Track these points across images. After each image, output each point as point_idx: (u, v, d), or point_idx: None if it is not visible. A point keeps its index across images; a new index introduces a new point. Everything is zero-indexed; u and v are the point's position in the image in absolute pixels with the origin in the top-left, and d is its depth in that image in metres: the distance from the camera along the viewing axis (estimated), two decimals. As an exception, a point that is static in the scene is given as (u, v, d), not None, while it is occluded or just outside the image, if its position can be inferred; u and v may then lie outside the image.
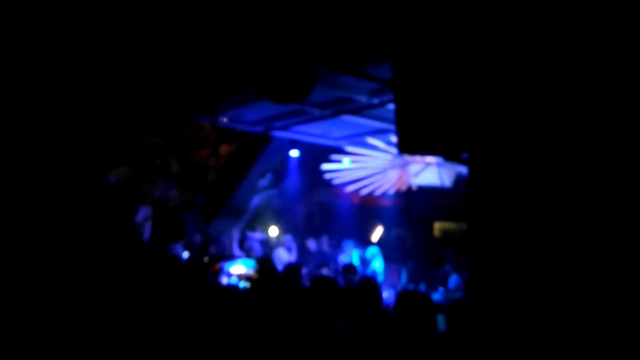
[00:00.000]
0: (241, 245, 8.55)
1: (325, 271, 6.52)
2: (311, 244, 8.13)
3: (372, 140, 6.96)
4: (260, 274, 4.91)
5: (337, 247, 8.43)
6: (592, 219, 1.95)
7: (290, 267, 4.99)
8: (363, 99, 5.55)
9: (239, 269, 5.84)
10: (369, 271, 7.60)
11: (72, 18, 4.17)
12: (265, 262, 5.01)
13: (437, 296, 6.42)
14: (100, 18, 4.19)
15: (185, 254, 6.76)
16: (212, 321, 3.13)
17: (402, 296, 3.23)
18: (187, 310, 3.17)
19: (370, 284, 3.95)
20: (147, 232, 8.67)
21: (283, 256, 7.57)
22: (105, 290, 3.79)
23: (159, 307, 3.25)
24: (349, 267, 6.24)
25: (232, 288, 5.12)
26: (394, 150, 6.82)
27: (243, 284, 5.39)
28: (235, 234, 8.48)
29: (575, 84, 2.02)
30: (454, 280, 6.90)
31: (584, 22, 2.00)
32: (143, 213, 8.82)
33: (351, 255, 7.77)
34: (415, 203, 10.58)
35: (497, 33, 2.22)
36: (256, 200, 10.64)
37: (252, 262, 6.03)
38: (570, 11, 2.03)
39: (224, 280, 5.59)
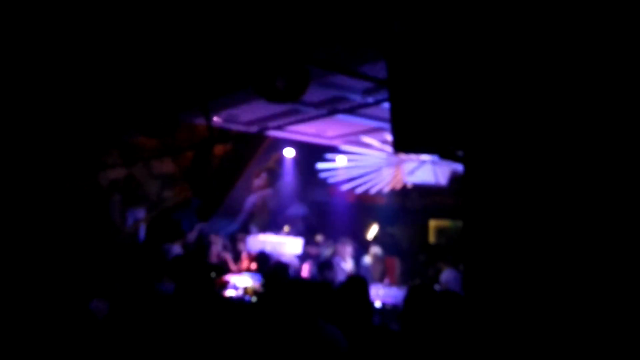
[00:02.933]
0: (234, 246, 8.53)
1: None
2: (312, 248, 8.16)
3: (367, 139, 6.98)
4: (267, 287, 4.88)
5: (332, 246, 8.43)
6: (587, 215, 1.97)
7: (278, 266, 4.97)
8: (357, 97, 5.55)
9: (245, 282, 5.83)
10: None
11: (63, 19, 4.15)
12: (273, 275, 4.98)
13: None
14: (92, 19, 4.17)
15: (178, 250, 6.76)
16: (217, 334, 3.13)
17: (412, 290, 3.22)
18: (191, 322, 3.16)
19: (357, 282, 3.87)
20: (141, 233, 8.67)
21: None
22: (107, 295, 3.78)
23: (161, 316, 3.24)
24: (325, 264, 6.24)
25: (239, 301, 5.12)
26: (389, 148, 6.84)
27: (249, 297, 5.39)
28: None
29: (569, 81, 2.03)
30: (446, 276, 6.89)
31: (577, 20, 2.02)
32: (137, 214, 8.81)
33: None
34: (410, 201, 10.62)
35: (490, 31, 2.23)
36: (251, 200, 10.64)
37: (258, 276, 6.02)
38: (563, 10, 2.05)
39: (231, 293, 5.58)
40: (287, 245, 7.89)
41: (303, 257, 7.95)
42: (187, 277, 3.37)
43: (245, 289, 5.69)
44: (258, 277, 6.02)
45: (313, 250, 8.20)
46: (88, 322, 3.44)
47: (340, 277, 6.18)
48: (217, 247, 7.93)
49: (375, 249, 8.09)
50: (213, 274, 5.06)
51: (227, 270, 7.20)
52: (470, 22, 2.29)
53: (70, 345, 3.21)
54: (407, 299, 3.17)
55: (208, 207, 9.64)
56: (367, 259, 7.96)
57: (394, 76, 2.56)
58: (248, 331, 3.12)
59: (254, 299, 5.31)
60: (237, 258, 8.12)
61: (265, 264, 6.81)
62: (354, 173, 7.86)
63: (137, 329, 3.16)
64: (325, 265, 6.15)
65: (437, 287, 6.76)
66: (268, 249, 7.84)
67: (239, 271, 7.26)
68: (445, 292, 3.44)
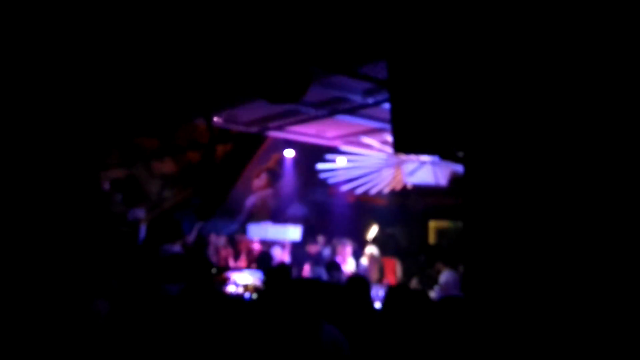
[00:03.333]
0: (234, 246, 8.55)
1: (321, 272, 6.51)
2: (312, 246, 8.18)
3: (367, 140, 6.99)
4: (267, 285, 4.88)
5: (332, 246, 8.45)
6: (587, 215, 1.97)
7: (281, 267, 4.98)
8: (358, 98, 5.56)
9: (245, 279, 5.83)
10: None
11: (65, 20, 4.16)
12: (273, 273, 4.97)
13: (432, 294, 6.43)
14: (93, 20, 4.18)
15: (178, 250, 6.77)
16: (217, 330, 3.13)
17: (397, 292, 3.24)
18: (192, 318, 3.16)
19: (358, 282, 3.89)
20: (142, 233, 8.67)
21: (278, 254, 7.59)
22: (108, 295, 3.78)
23: (163, 313, 3.24)
24: (333, 264, 6.27)
25: (238, 298, 5.12)
26: (389, 149, 6.85)
27: (249, 294, 5.38)
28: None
29: (568, 83, 2.04)
30: (445, 277, 6.89)
31: (575, 22, 2.02)
32: (137, 214, 8.81)
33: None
34: (410, 202, 10.63)
35: (491, 33, 2.24)
36: (251, 200, 10.65)
37: (258, 273, 6.02)
38: (562, 12, 2.05)
39: (231, 289, 5.58)
40: (287, 232, 7.97)
41: (302, 258, 7.96)
42: (187, 275, 3.37)
43: (246, 286, 5.68)
44: (259, 273, 6.02)
45: (313, 249, 8.20)
46: (90, 322, 3.44)
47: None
48: (218, 244, 7.97)
49: (371, 250, 8.05)
50: (214, 270, 5.05)
51: (227, 268, 7.21)
52: (470, 25, 2.29)
53: (71, 346, 3.22)
54: (385, 300, 3.17)
55: (208, 207, 9.65)
56: (364, 260, 7.96)
57: (395, 77, 2.57)
58: (249, 330, 3.12)
59: (254, 296, 5.31)
60: (236, 258, 8.14)
61: (267, 264, 6.84)
62: (354, 174, 7.87)
63: (139, 329, 3.16)
64: (333, 266, 6.18)
65: (436, 288, 6.77)
66: (270, 236, 7.93)
67: (239, 269, 7.28)
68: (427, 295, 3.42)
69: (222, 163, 10.00)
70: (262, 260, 7.20)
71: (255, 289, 5.49)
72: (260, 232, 8.23)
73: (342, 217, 10.80)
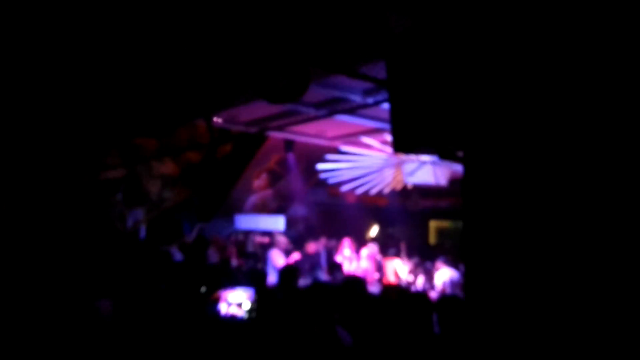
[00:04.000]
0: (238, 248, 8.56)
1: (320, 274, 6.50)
2: (311, 246, 8.16)
3: (367, 140, 6.98)
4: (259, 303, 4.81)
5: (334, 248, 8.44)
6: (588, 215, 1.97)
7: (288, 270, 4.96)
8: (357, 98, 5.56)
9: (238, 297, 5.73)
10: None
11: (66, 20, 4.16)
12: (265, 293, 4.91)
13: (433, 294, 6.44)
14: (94, 20, 4.18)
15: (178, 256, 6.74)
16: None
17: (401, 294, 3.25)
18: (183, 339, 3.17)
19: (355, 282, 3.90)
20: (142, 234, 8.68)
21: (277, 259, 7.56)
22: (110, 295, 3.78)
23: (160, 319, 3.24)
24: (335, 265, 6.28)
25: (231, 319, 5.04)
26: (389, 149, 6.84)
27: (242, 314, 5.29)
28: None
29: (568, 82, 2.03)
30: (443, 276, 6.88)
31: (576, 21, 2.02)
32: (137, 214, 8.82)
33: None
34: (410, 202, 10.64)
35: (490, 32, 2.23)
36: (252, 200, 10.65)
37: (251, 290, 5.94)
38: (562, 10, 2.05)
39: (224, 308, 5.49)
40: (273, 222, 8.59)
41: (302, 259, 7.95)
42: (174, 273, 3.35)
43: (239, 305, 5.55)
44: (251, 291, 5.92)
45: (311, 248, 8.19)
46: (93, 322, 3.45)
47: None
48: (222, 243, 8.06)
49: (369, 249, 8.01)
50: (203, 289, 4.96)
51: (229, 269, 7.18)
52: (469, 23, 2.29)
53: (75, 345, 3.22)
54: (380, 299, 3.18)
55: (208, 207, 9.65)
56: (363, 262, 7.95)
57: (394, 77, 2.56)
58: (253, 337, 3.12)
59: (246, 315, 5.18)
60: (239, 256, 8.17)
61: (260, 282, 6.79)
62: (355, 174, 7.87)
63: (141, 329, 3.17)
64: (335, 267, 6.19)
65: (436, 287, 6.77)
66: (258, 226, 8.26)
67: (240, 266, 7.26)
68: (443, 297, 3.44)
69: (222, 163, 10.00)
70: (252, 278, 7.16)
71: (247, 308, 5.33)
72: (248, 222, 8.49)
73: (343, 217, 10.81)
